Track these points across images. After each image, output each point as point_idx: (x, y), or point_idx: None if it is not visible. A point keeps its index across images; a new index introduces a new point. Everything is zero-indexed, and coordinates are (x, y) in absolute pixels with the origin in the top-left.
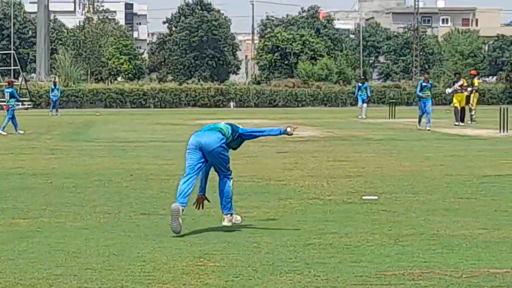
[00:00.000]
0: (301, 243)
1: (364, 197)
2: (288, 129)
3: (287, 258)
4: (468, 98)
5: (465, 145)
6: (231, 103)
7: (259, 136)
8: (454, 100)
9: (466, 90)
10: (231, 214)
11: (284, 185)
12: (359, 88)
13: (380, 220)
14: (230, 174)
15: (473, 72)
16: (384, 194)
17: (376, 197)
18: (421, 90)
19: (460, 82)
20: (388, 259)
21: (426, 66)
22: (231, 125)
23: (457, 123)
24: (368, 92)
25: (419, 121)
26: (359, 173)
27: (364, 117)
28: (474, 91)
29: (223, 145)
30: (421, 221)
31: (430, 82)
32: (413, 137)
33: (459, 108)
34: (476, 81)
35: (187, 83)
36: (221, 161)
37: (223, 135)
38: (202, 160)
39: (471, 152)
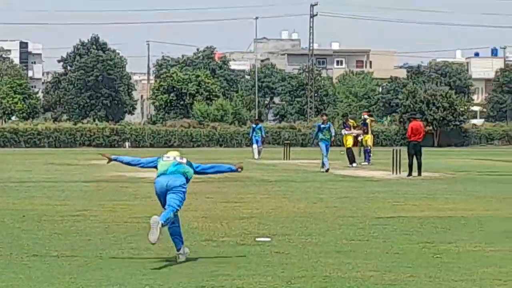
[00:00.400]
0: (194, 285)
1: (257, 239)
2: (239, 169)
3: None
4: (356, 139)
5: (358, 187)
6: (126, 143)
7: (210, 173)
8: (348, 141)
9: (361, 130)
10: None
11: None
12: (253, 129)
13: (273, 262)
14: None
15: (365, 113)
16: (277, 236)
17: (269, 239)
18: (319, 131)
19: (351, 124)
20: None
21: (321, 108)
22: (190, 164)
23: (350, 165)
24: (263, 133)
25: (323, 162)
26: (253, 214)
27: (258, 157)
28: (369, 131)
29: (184, 188)
30: (313, 263)
31: (329, 123)
32: (307, 179)
33: (352, 149)
34: (369, 122)
35: (82, 123)
36: (176, 199)
37: (186, 178)
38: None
39: (364, 194)
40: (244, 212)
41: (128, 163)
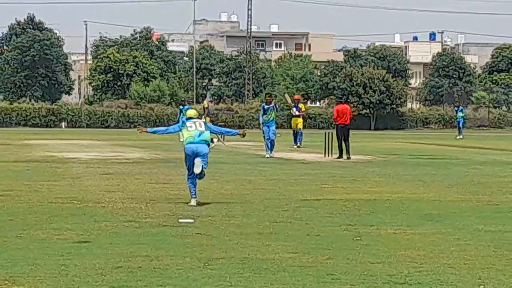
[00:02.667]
0: (110, 266)
1: (180, 220)
2: (242, 135)
3: (93, 281)
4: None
5: (288, 169)
6: (63, 124)
7: (220, 133)
8: (292, 123)
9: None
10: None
11: (102, 207)
12: (181, 111)
13: (193, 243)
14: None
15: (297, 97)
16: (200, 217)
17: (192, 220)
18: (264, 113)
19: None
20: (194, 283)
21: (258, 90)
22: (206, 127)
23: (295, 145)
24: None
25: (269, 148)
26: (179, 196)
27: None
28: (301, 115)
29: (208, 153)
30: (233, 244)
31: (273, 103)
32: (238, 160)
33: (295, 131)
34: (303, 105)
35: (18, 103)
36: (204, 160)
37: (208, 144)
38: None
39: (293, 176)
40: (171, 193)
41: (160, 132)
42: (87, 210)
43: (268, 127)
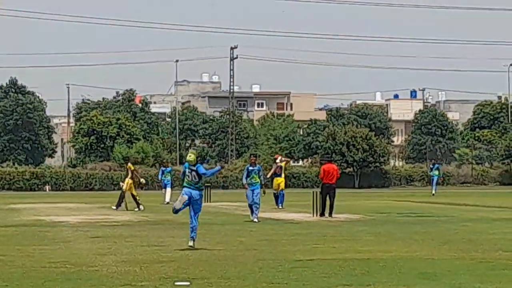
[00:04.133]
0: None
1: (176, 283)
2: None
3: None
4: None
5: (278, 229)
6: (47, 187)
7: (209, 176)
8: (274, 183)
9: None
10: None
11: (96, 271)
12: (163, 172)
13: None
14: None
15: (276, 156)
16: (196, 280)
17: (188, 283)
18: (247, 176)
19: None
20: None
21: (242, 150)
22: (200, 174)
23: (277, 206)
24: (171, 176)
25: (252, 212)
26: (173, 258)
27: (166, 201)
28: (282, 174)
29: (201, 199)
30: None
31: (258, 165)
32: (227, 221)
33: (277, 192)
34: (283, 164)
35: (2, 167)
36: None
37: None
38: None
39: (284, 236)
40: (164, 256)
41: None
42: (82, 274)
43: (253, 191)
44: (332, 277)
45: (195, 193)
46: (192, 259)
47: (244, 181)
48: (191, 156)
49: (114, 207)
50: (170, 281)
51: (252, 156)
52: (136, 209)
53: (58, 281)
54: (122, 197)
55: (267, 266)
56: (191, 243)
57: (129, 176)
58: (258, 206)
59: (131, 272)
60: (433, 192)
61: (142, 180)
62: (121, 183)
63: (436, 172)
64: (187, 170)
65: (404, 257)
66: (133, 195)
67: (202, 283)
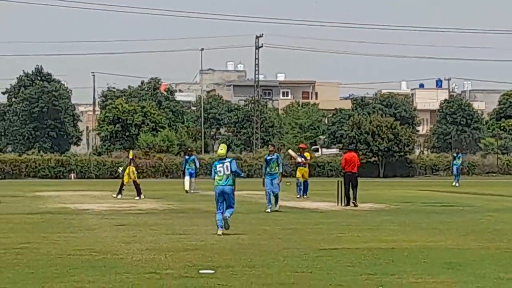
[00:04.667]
0: None
1: (201, 271)
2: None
3: None
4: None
5: (303, 218)
6: (72, 175)
7: (237, 174)
8: (298, 173)
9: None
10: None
11: (121, 258)
12: (186, 161)
13: None
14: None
15: (302, 145)
16: (221, 268)
17: (213, 271)
18: (267, 165)
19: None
20: None
21: (267, 139)
22: (232, 171)
23: (299, 196)
24: (197, 164)
25: (270, 200)
26: (197, 246)
27: (191, 191)
28: (306, 164)
29: (233, 193)
30: None
31: (276, 154)
32: (251, 210)
33: (301, 181)
34: (307, 154)
35: (27, 154)
36: (231, 201)
37: (233, 184)
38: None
39: (308, 225)
40: (188, 244)
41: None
42: (107, 262)
43: (271, 180)
44: (357, 266)
45: (227, 188)
46: (216, 247)
47: (264, 171)
48: (222, 150)
49: (115, 195)
50: (195, 269)
51: (270, 145)
52: (137, 198)
53: (83, 269)
54: (122, 185)
55: (292, 255)
56: (219, 232)
57: (132, 164)
58: (278, 196)
59: (156, 260)
60: (456, 183)
61: (121, 169)
62: (119, 169)
63: (460, 161)
64: (218, 166)
65: (428, 247)
66: (135, 183)
67: (227, 271)
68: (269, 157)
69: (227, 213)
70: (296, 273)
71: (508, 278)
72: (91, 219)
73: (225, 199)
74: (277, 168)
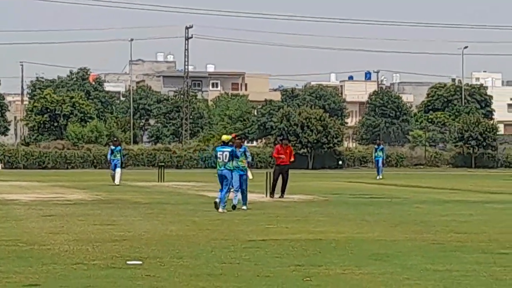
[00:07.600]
0: None
1: (128, 262)
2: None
3: None
4: None
5: (231, 210)
6: None
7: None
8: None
9: None
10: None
11: (48, 249)
12: (112, 151)
13: (143, 285)
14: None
15: (233, 135)
16: (148, 259)
17: (140, 262)
18: (235, 157)
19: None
20: None
21: (196, 130)
22: (232, 155)
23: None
24: (121, 156)
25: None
26: (125, 237)
27: (116, 183)
28: None
29: (232, 178)
30: (183, 286)
31: (244, 146)
32: (180, 201)
33: None
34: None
35: None
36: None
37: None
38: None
39: (237, 217)
40: (116, 234)
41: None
42: (34, 253)
43: (240, 176)
44: (284, 257)
45: (225, 172)
46: (144, 238)
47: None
48: (227, 136)
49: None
50: (122, 260)
51: (237, 138)
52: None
53: (10, 259)
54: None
55: (220, 246)
56: (221, 210)
57: None
58: (245, 192)
59: (83, 251)
60: (380, 176)
61: None
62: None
63: (381, 154)
64: (218, 152)
65: (356, 238)
66: None
67: (155, 262)
68: (237, 150)
69: (241, 203)
70: (224, 264)
71: (434, 270)
72: (18, 209)
73: (226, 178)
74: (245, 161)
